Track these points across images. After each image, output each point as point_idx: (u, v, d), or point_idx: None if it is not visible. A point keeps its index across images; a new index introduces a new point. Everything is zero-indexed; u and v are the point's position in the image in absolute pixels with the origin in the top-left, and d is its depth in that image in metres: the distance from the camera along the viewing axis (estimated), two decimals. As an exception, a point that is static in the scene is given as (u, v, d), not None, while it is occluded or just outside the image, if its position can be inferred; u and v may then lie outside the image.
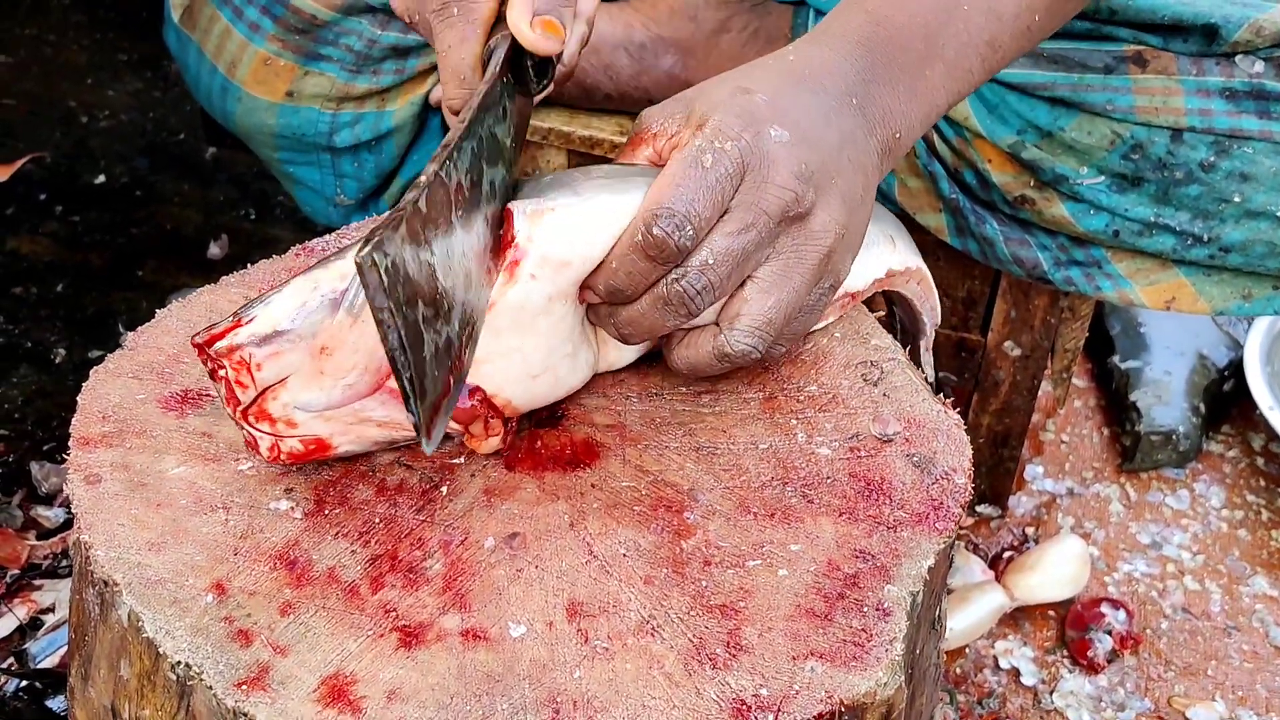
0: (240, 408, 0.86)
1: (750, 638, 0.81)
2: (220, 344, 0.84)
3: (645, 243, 0.87)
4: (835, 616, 0.83)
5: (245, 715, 0.76)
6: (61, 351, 1.87)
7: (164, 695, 0.82)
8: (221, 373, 0.85)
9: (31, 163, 2.17)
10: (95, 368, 0.95)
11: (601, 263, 0.89)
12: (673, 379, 0.97)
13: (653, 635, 0.81)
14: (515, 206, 0.88)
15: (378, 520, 0.87)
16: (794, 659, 0.80)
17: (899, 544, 0.87)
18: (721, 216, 0.88)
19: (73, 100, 2.33)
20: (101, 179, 2.18)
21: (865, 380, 0.97)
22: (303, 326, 0.84)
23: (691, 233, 0.87)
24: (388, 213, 0.80)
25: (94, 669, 0.88)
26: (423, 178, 0.79)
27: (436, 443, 0.77)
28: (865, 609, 0.83)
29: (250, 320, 0.84)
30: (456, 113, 0.98)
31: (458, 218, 0.82)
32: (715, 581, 0.84)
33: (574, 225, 0.88)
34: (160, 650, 0.79)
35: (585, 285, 0.90)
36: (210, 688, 0.77)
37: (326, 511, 0.87)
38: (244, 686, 0.77)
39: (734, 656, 0.80)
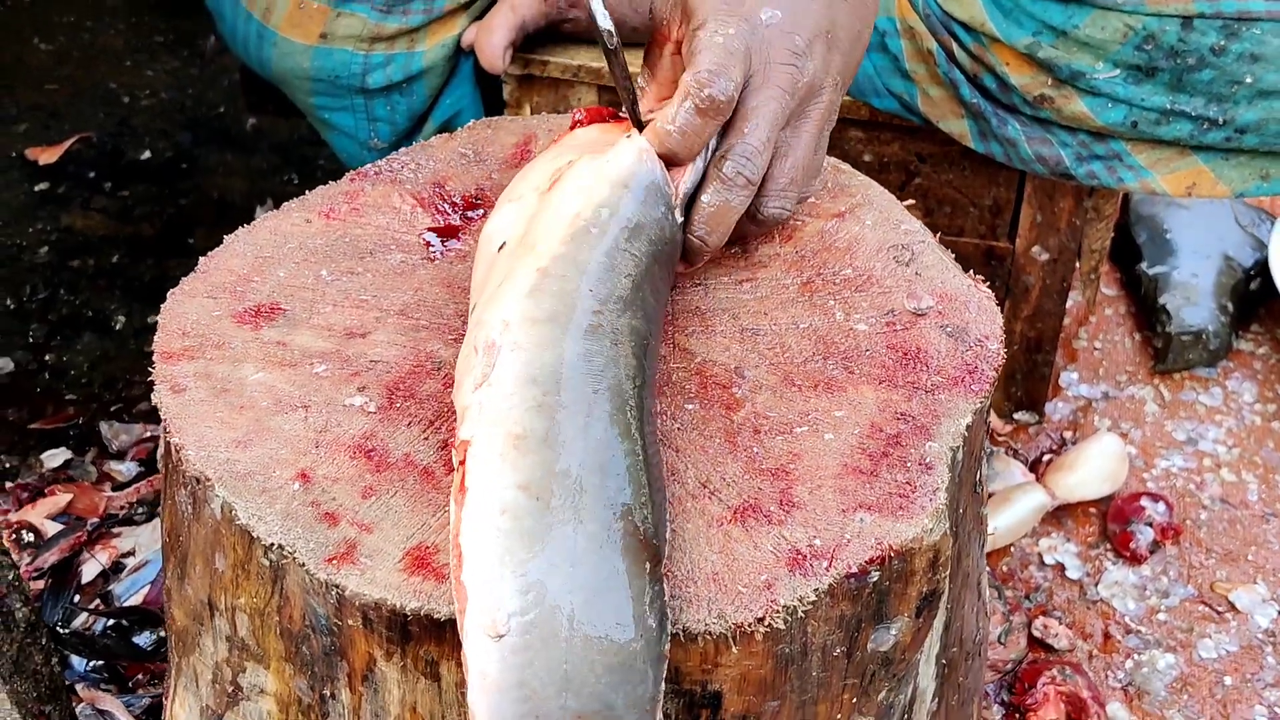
0: None
1: (802, 495, 0.86)
2: None
3: (698, 100, 0.92)
4: (881, 472, 0.88)
5: (338, 587, 0.82)
6: (121, 318, 1.94)
7: (258, 582, 0.87)
8: None
9: (78, 143, 2.24)
10: (170, 290, 1.01)
11: (659, 131, 0.94)
12: (715, 269, 1.03)
13: (710, 498, 0.87)
14: None
15: (446, 409, 0.92)
16: (844, 511, 0.85)
17: (937, 405, 0.92)
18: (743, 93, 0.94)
19: (113, 82, 2.39)
20: (147, 154, 2.25)
21: (897, 261, 1.02)
22: None
23: (732, 88, 0.93)
24: None
25: (189, 566, 0.94)
26: None
27: None
28: (909, 464, 0.88)
29: None
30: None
31: None
32: (765, 448, 0.90)
33: None
34: (254, 536, 0.85)
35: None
36: (303, 565, 0.83)
37: (397, 405, 0.93)
38: (334, 561, 0.83)
39: (787, 512, 0.85)
